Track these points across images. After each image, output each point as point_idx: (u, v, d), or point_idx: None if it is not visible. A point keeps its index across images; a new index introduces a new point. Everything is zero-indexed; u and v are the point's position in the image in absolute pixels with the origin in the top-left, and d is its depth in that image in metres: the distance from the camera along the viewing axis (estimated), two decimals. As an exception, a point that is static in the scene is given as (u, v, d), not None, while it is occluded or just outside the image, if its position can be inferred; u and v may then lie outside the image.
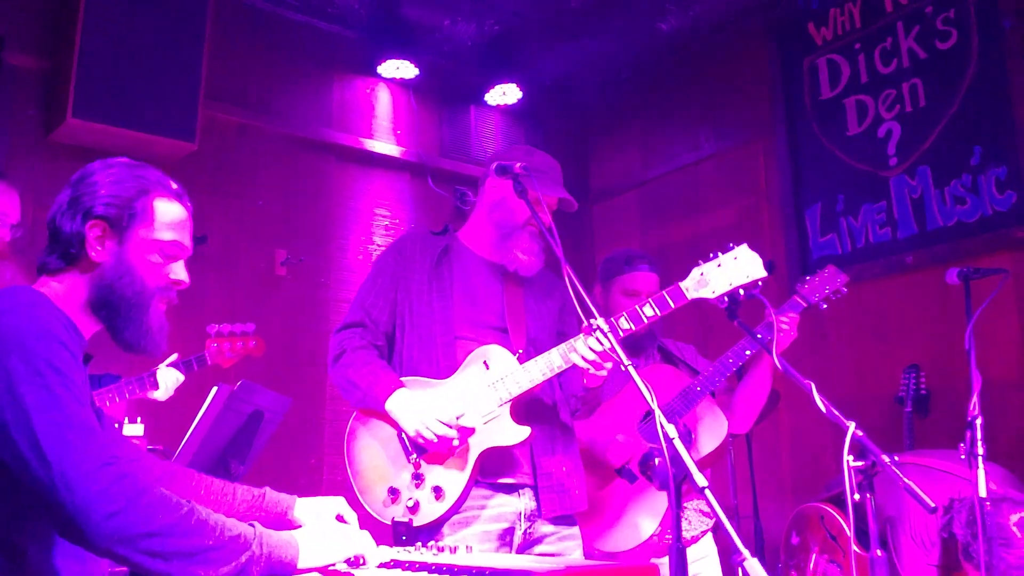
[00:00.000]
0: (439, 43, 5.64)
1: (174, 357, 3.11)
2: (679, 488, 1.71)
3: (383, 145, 5.50)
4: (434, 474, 2.56)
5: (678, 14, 5.46)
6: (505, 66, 5.72)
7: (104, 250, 1.68)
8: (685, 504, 3.10)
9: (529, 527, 2.65)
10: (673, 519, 1.67)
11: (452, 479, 2.55)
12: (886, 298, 4.56)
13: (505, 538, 2.61)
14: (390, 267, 2.77)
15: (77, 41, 4.04)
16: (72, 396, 1.48)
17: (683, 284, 2.60)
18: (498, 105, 5.92)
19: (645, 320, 2.57)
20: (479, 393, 2.59)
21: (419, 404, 2.56)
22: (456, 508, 2.55)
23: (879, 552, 2.02)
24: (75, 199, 1.69)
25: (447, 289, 2.74)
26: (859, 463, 2.06)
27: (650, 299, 2.59)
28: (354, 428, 2.70)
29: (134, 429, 3.36)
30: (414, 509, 2.53)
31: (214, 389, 2.77)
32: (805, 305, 3.09)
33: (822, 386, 2.19)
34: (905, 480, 1.98)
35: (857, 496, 2.05)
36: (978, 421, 2.75)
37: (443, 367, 2.66)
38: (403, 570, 1.66)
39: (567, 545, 2.71)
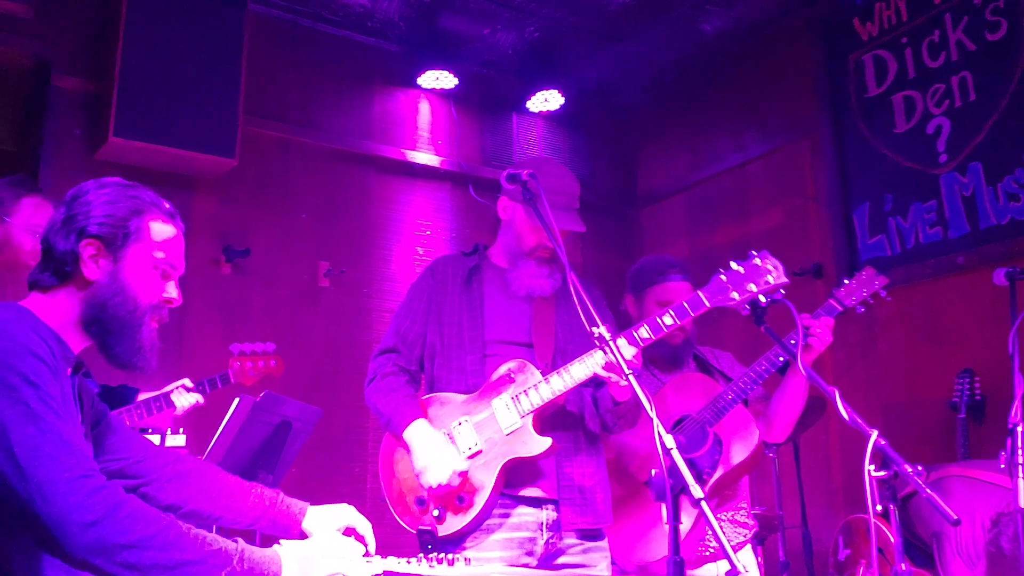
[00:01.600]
0: (479, 52, 5.64)
1: (186, 382, 3.15)
2: (677, 500, 1.67)
3: (425, 156, 5.53)
4: (459, 485, 2.58)
5: (720, 14, 5.37)
6: (546, 72, 5.70)
7: (98, 268, 1.70)
8: (720, 515, 3.03)
9: (551, 537, 2.64)
10: (672, 532, 1.63)
11: (477, 490, 2.56)
12: (938, 300, 4.40)
13: (526, 547, 2.61)
14: (424, 291, 2.83)
15: (117, 63, 4.17)
16: (49, 409, 1.50)
17: (702, 292, 2.56)
18: (540, 112, 5.90)
19: (664, 329, 2.54)
20: (502, 406, 2.61)
21: (432, 445, 2.58)
22: (481, 519, 2.56)
23: (903, 567, 1.94)
24: (69, 218, 1.71)
25: (477, 308, 2.78)
26: (881, 473, 1.98)
27: (670, 309, 2.55)
28: (386, 442, 2.78)
29: (177, 440, 3.43)
30: (440, 519, 2.56)
31: (236, 400, 2.80)
32: (841, 309, 3.00)
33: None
34: (928, 491, 1.90)
35: (880, 507, 1.97)
36: (1019, 428, 2.61)
37: (471, 384, 2.70)
38: (394, 583, 1.65)
39: (592, 557, 2.69)
